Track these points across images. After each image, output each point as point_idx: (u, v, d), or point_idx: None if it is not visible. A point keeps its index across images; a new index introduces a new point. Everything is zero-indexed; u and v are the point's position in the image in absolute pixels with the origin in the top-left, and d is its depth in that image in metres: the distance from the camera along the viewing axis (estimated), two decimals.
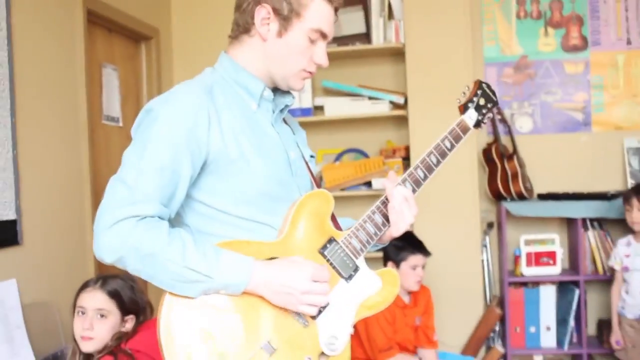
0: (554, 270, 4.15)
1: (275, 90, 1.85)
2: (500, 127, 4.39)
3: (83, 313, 2.41)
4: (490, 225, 4.43)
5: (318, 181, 1.95)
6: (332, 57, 4.38)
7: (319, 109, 4.41)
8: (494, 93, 2.12)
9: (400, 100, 4.29)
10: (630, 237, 3.81)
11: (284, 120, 1.91)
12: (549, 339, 4.20)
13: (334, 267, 1.79)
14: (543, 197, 4.29)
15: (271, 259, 1.71)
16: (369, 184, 4.26)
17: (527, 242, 4.19)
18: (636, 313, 3.72)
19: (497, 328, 4.27)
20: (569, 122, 4.46)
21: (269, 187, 1.74)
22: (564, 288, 4.27)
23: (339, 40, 4.38)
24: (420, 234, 3.87)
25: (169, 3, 4.56)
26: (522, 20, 4.50)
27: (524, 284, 4.26)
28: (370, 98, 4.34)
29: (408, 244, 3.55)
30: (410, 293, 3.60)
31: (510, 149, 4.33)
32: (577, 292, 4.11)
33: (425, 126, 4.10)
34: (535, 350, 4.19)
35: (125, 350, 2.34)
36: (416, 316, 3.59)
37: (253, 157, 1.71)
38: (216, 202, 1.71)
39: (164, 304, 1.62)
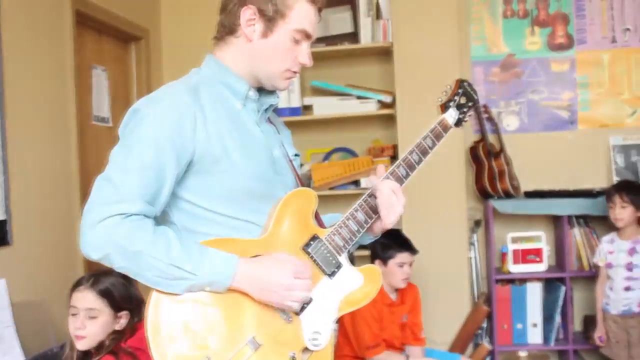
0: (541, 267, 4.19)
1: (260, 90, 1.88)
2: (488, 126, 4.43)
3: (75, 313, 2.44)
4: (477, 223, 4.47)
5: (302, 179, 1.98)
6: (320, 56, 4.46)
7: (307, 108, 4.43)
8: (474, 92, 2.16)
9: (388, 99, 4.33)
10: (613, 234, 3.85)
11: (269, 120, 1.95)
12: (535, 336, 4.24)
13: (317, 264, 1.83)
14: (529, 194, 4.33)
15: (256, 256, 1.74)
16: (357, 183, 4.29)
17: (514, 240, 4.23)
18: (620, 309, 3.76)
19: (484, 325, 4.30)
20: (555, 120, 4.51)
21: (253, 186, 1.77)
22: (550, 285, 4.31)
23: (327, 40, 4.41)
24: (407, 232, 3.90)
25: (158, 4, 4.58)
26: (509, 19, 4.54)
27: (511, 281, 4.30)
28: (358, 97, 4.37)
29: (395, 242, 3.59)
30: (397, 291, 3.63)
31: (497, 147, 4.36)
32: (563, 288, 4.15)
33: (413, 125, 4.12)
34: (522, 347, 4.23)
35: (126, 349, 2.37)
36: (403, 314, 3.62)
37: (237, 156, 1.75)
38: (201, 200, 1.74)
39: (151, 301, 1.66)
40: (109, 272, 2.46)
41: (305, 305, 1.79)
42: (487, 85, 4.53)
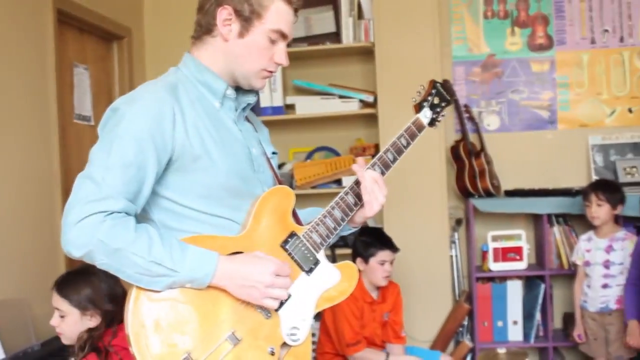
0: (521, 265, 4.23)
1: (238, 88, 1.90)
2: (468, 125, 4.47)
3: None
4: (458, 222, 4.50)
5: (280, 177, 2.00)
6: (302, 56, 4.48)
7: (290, 107, 4.46)
8: (448, 92, 2.19)
9: (369, 98, 4.36)
10: (591, 233, 3.90)
11: (247, 118, 1.97)
12: (515, 333, 4.29)
13: (295, 261, 1.85)
14: (510, 193, 4.37)
15: (235, 253, 1.76)
16: (339, 182, 4.31)
17: (495, 238, 4.27)
18: (597, 306, 3.81)
19: (465, 323, 4.34)
20: (536, 119, 4.55)
21: (231, 183, 1.79)
22: (530, 283, 4.36)
23: (310, 39, 4.44)
24: (389, 231, 3.93)
25: (141, 3, 4.59)
26: (490, 20, 4.59)
27: (492, 279, 4.35)
28: (340, 97, 4.40)
29: (376, 240, 3.62)
30: (378, 289, 3.65)
31: (478, 147, 4.41)
32: (543, 286, 4.20)
33: (394, 124, 4.10)
34: (502, 344, 4.27)
35: (110, 347, 2.39)
36: (384, 312, 3.65)
37: (216, 154, 1.77)
38: (181, 198, 1.76)
39: (131, 298, 1.67)
40: (75, 271, 2.50)
41: (284, 302, 1.81)
42: (468, 85, 4.57)
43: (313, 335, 3.91)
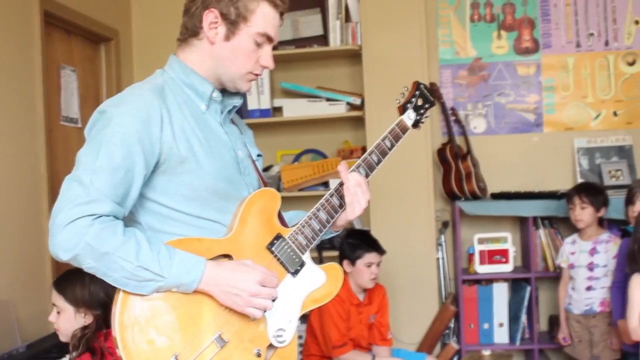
0: (507, 267, 4.26)
1: (223, 91, 1.90)
2: (455, 128, 4.49)
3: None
4: (445, 224, 4.52)
5: (265, 179, 2.01)
6: (290, 58, 4.50)
7: (277, 110, 4.46)
8: (431, 94, 2.22)
9: (357, 101, 4.37)
10: (575, 235, 3.93)
11: (232, 121, 1.98)
12: (501, 335, 4.31)
13: (281, 263, 1.87)
14: (496, 196, 4.39)
15: (221, 255, 1.77)
16: (327, 184, 4.32)
17: (481, 241, 4.29)
18: (582, 309, 3.84)
19: (452, 325, 4.36)
20: (522, 122, 4.58)
21: (218, 186, 1.80)
22: (516, 285, 4.39)
23: (297, 42, 4.45)
24: (376, 233, 3.95)
25: (129, 5, 4.58)
26: (476, 23, 4.61)
27: (478, 282, 4.37)
28: (328, 99, 4.41)
29: (363, 242, 3.64)
30: (365, 291, 3.67)
31: (465, 149, 4.43)
32: (528, 289, 4.22)
33: (382, 127, 4.09)
34: (488, 346, 4.28)
35: (103, 349, 2.41)
36: (371, 314, 3.67)
37: (203, 156, 1.77)
38: (167, 200, 1.77)
39: (118, 301, 1.67)
40: (71, 270, 2.52)
41: (267, 310, 1.82)
42: (454, 88, 4.59)
43: (300, 337, 3.92)
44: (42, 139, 3.44)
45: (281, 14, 1.87)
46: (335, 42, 4.39)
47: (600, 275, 3.79)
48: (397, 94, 2.22)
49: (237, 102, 1.93)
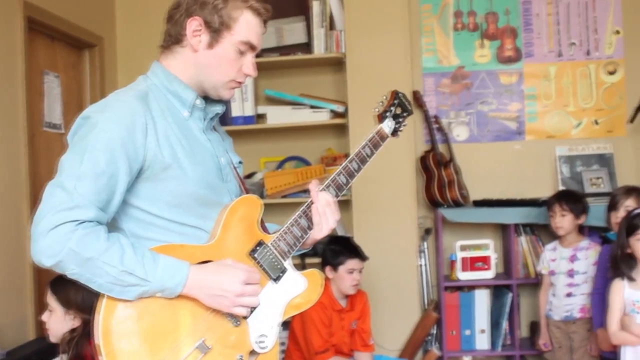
0: (488, 274, 4.28)
1: (206, 98, 1.91)
2: (438, 136, 4.52)
3: None
4: (427, 231, 4.55)
5: (246, 186, 2.02)
6: (274, 66, 4.52)
7: (261, 117, 4.48)
8: (409, 103, 2.25)
9: (340, 109, 4.39)
10: (556, 242, 3.96)
11: (214, 128, 1.99)
12: (483, 342, 4.33)
13: (263, 269, 1.88)
14: (478, 203, 4.42)
15: (204, 261, 1.78)
16: (309, 192, 4.33)
17: (463, 248, 4.31)
18: (562, 315, 3.87)
19: (434, 331, 4.38)
20: (504, 130, 4.62)
21: (201, 192, 1.81)
22: (497, 292, 4.41)
23: (281, 49, 4.47)
24: (358, 239, 3.98)
25: (113, 11, 4.58)
26: (459, 32, 4.65)
27: (460, 288, 4.39)
28: (311, 107, 4.43)
29: (345, 249, 3.66)
30: (347, 297, 3.68)
31: (447, 157, 4.46)
32: (510, 295, 4.25)
33: (364, 134, 4.16)
34: (470, 353, 4.32)
35: (92, 356, 2.41)
36: (353, 320, 3.68)
37: (186, 163, 1.78)
38: (150, 207, 1.77)
39: (102, 307, 1.68)
40: None
41: (252, 309, 1.83)
42: (437, 96, 4.63)
43: (282, 344, 3.93)
44: (24, 144, 3.44)
45: (264, 22, 1.88)
46: (319, 49, 4.42)
47: (580, 282, 3.82)
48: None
49: (219, 109, 1.94)
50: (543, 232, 4.33)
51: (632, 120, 4.32)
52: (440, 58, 4.65)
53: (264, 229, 1.94)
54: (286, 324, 3.80)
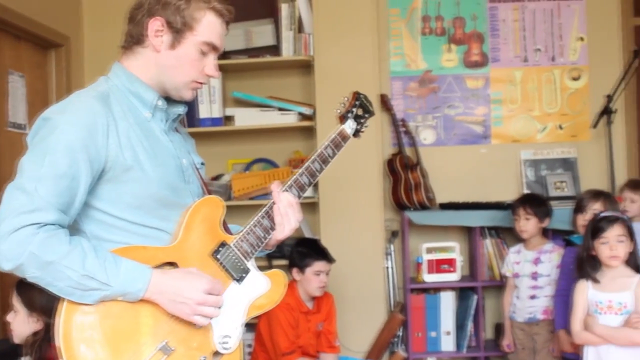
0: (454, 277, 4.32)
1: (168, 99, 1.91)
2: (405, 139, 4.55)
3: None
4: (394, 234, 4.57)
5: (209, 187, 2.03)
6: (242, 68, 4.51)
7: (229, 119, 4.47)
8: (371, 104, 2.27)
9: (308, 111, 4.41)
10: (520, 245, 4.02)
11: (176, 129, 1.99)
12: (448, 343, 4.36)
13: (226, 270, 1.88)
14: (444, 206, 4.45)
15: (167, 263, 1.78)
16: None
17: (429, 250, 4.34)
18: (525, 317, 3.91)
19: (399, 333, 4.41)
20: (470, 134, 4.67)
21: (162, 194, 1.81)
22: (463, 294, 4.45)
23: (250, 52, 4.47)
24: (325, 242, 3.99)
25: (80, 11, 4.54)
26: (427, 36, 4.69)
27: (425, 290, 4.42)
28: (279, 109, 4.43)
29: (312, 251, 3.68)
30: (314, 299, 3.70)
31: (414, 160, 4.49)
32: (475, 297, 4.29)
33: None
34: (435, 354, 4.35)
35: None
36: (319, 322, 3.70)
37: (148, 164, 1.78)
38: (112, 208, 1.76)
39: (62, 311, 1.66)
40: None
41: (214, 318, 1.83)
42: (405, 100, 4.66)
43: (249, 346, 3.93)
44: None
45: (227, 24, 1.89)
46: (287, 52, 4.42)
47: (543, 284, 3.87)
48: None
49: (181, 110, 1.94)
50: (508, 235, 4.38)
51: (595, 125, 4.39)
52: (408, 62, 4.69)
53: (227, 230, 1.94)
54: (252, 326, 3.81)
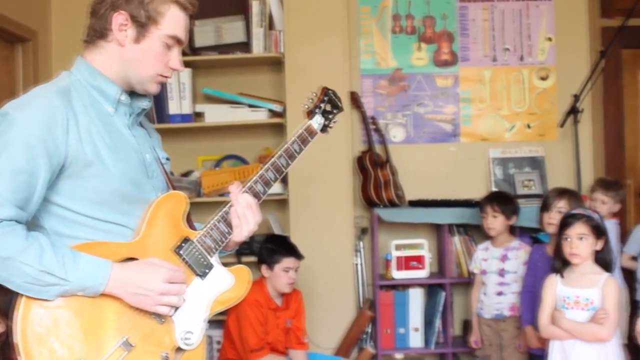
0: (422, 273, 4.34)
1: (132, 94, 1.91)
2: (375, 137, 4.56)
3: None
4: (363, 231, 4.59)
5: (173, 183, 2.02)
6: (212, 64, 4.50)
7: (199, 115, 4.46)
8: (339, 99, 2.27)
9: (278, 108, 4.41)
10: (488, 243, 4.06)
11: (140, 124, 1.98)
12: (416, 340, 4.38)
13: (189, 266, 1.88)
14: (413, 203, 4.48)
15: (128, 259, 1.78)
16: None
17: (398, 247, 4.37)
18: (492, 313, 3.96)
19: (368, 330, 4.42)
20: (439, 132, 4.70)
21: (124, 189, 1.80)
22: (431, 291, 4.48)
23: (220, 48, 4.46)
24: (295, 239, 4.00)
25: (48, 5, 4.50)
26: (397, 35, 4.71)
27: (394, 287, 4.44)
28: (249, 106, 4.43)
29: (281, 247, 3.68)
30: (282, 295, 3.70)
31: (384, 158, 4.51)
32: (443, 294, 4.32)
33: None
34: (404, 351, 4.38)
35: None
36: (287, 318, 3.70)
37: (109, 159, 1.77)
38: (73, 204, 1.75)
39: (20, 307, 1.66)
40: None
41: (177, 309, 1.83)
42: (375, 98, 4.68)
43: (218, 343, 3.92)
44: None
45: (190, 17, 1.89)
46: (258, 49, 4.42)
47: (510, 281, 3.91)
48: None
49: (145, 104, 1.93)
50: (476, 233, 4.42)
51: (562, 124, 4.44)
52: (378, 60, 4.71)
53: (191, 226, 1.94)
54: (221, 322, 3.81)
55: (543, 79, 4.70)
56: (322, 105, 2.22)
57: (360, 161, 4.49)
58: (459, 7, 4.70)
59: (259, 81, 4.60)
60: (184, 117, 4.38)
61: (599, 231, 3.19)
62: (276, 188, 4.10)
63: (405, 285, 4.42)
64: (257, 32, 4.41)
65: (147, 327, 1.77)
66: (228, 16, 4.51)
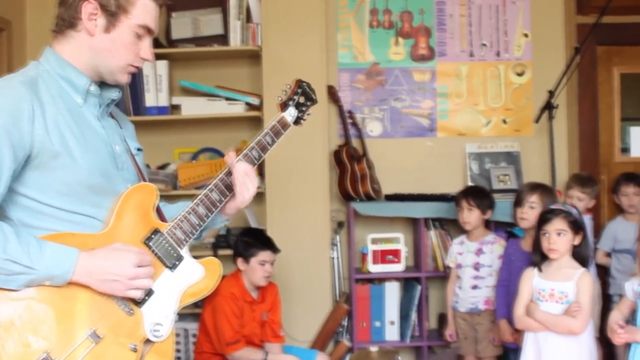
0: (398, 267, 4.36)
1: (102, 84, 1.89)
2: (352, 131, 4.57)
3: None
4: (340, 225, 4.60)
5: (144, 174, 2.01)
6: (189, 57, 4.48)
7: (176, 108, 4.44)
8: (313, 92, 2.27)
9: (256, 101, 4.40)
10: (463, 237, 4.08)
11: (111, 114, 1.96)
12: (392, 333, 4.41)
13: (158, 257, 1.87)
14: (390, 197, 4.49)
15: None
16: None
17: (374, 241, 4.38)
18: (467, 307, 3.98)
19: (345, 323, 4.44)
20: (416, 127, 4.71)
21: (93, 180, 1.79)
22: (407, 284, 4.51)
23: (197, 40, 4.45)
24: (271, 232, 4.00)
25: None
26: (375, 29, 4.72)
27: (371, 281, 4.46)
28: (227, 99, 4.41)
29: (257, 240, 3.68)
30: (258, 289, 3.70)
31: (360, 152, 4.52)
32: (419, 288, 4.34)
33: None
34: (379, 344, 4.38)
35: None
36: (264, 311, 3.70)
37: (77, 150, 1.76)
38: (40, 195, 1.74)
39: None
40: None
41: (147, 298, 1.82)
42: (352, 92, 4.69)
43: (194, 336, 3.92)
44: None
45: (160, 7, 1.87)
46: (235, 42, 4.40)
47: (485, 275, 3.94)
48: None
49: (115, 95, 1.92)
50: (452, 227, 4.44)
51: (537, 120, 4.47)
52: (356, 54, 4.71)
53: (161, 218, 1.93)
54: (197, 315, 3.80)
55: (519, 74, 4.73)
56: (296, 97, 2.22)
57: (337, 155, 4.50)
58: (436, 2, 4.71)
59: (237, 74, 4.59)
60: (161, 110, 4.36)
61: (577, 226, 3.23)
62: None
63: (381, 279, 4.44)
64: (235, 25, 4.40)
65: (115, 318, 1.77)
66: (206, 8, 4.50)
